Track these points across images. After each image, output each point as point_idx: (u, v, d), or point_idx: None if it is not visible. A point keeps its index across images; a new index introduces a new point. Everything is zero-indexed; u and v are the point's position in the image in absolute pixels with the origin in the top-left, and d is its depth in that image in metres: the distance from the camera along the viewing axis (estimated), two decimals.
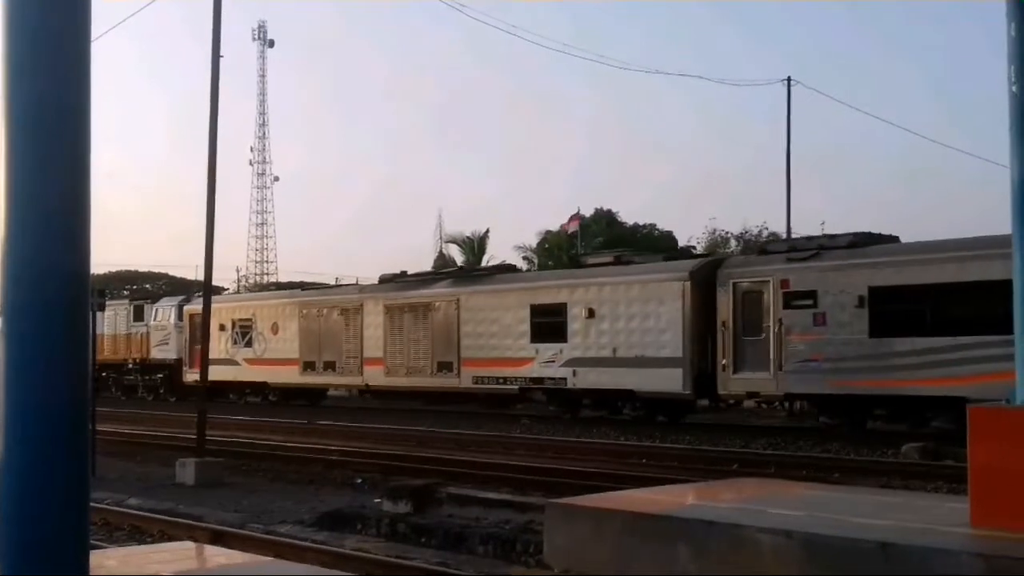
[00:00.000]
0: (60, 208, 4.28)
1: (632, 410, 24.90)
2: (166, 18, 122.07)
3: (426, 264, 50.44)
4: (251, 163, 78.71)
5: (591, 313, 24.78)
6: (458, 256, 51.45)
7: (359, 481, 15.18)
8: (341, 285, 34.34)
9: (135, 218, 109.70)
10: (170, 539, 10.16)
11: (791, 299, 21.58)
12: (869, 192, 79.20)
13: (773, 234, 50.16)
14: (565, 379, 25.39)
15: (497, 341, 26.83)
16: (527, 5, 77.48)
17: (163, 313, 38.68)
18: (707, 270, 23.47)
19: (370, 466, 16.42)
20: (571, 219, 46.68)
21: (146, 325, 39.19)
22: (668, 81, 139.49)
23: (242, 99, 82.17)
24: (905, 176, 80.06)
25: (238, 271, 72.54)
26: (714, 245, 52.35)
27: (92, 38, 4.48)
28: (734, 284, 22.52)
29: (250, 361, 34.22)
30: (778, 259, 22.39)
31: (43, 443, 4.22)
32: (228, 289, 55.27)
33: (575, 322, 25.12)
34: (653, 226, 54.79)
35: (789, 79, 39.80)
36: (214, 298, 41.10)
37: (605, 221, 53.38)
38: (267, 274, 75.65)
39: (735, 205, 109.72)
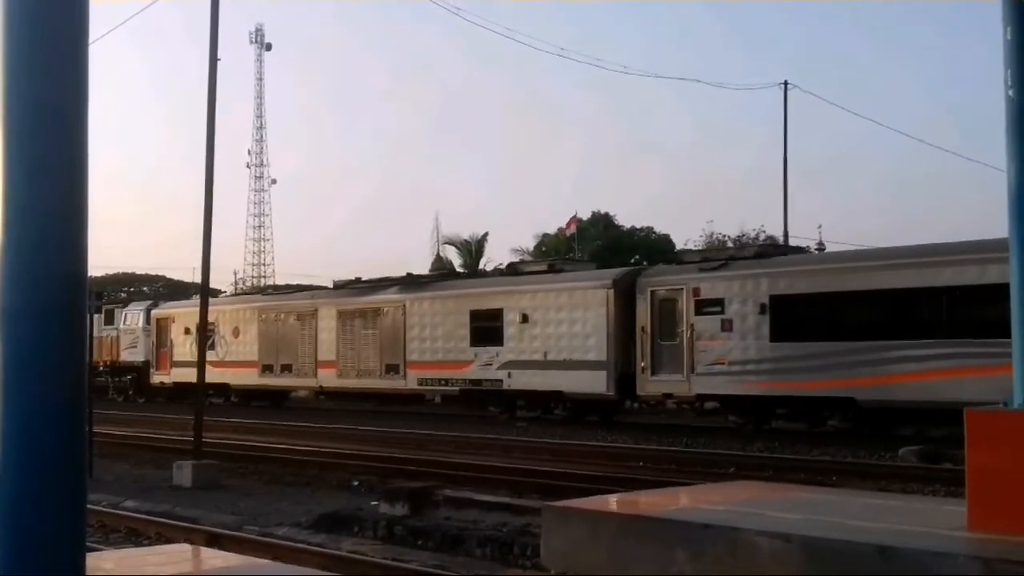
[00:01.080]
0: (57, 211, 4.27)
1: (563, 410, 26.11)
2: (164, 20, 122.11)
3: (423, 267, 50.47)
4: (248, 166, 78.75)
5: (525, 318, 26.34)
6: (455, 258, 51.46)
7: (356, 484, 15.17)
8: (298, 291, 35.54)
9: (133, 220, 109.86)
10: (167, 541, 10.13)
11: (702, 306, 23.13)
12: (867, 196, 79.35)
13: (770, 237, 50.21)
14: (501, 381, 26.89)
15: (440, 345, 28.38)
16: (524, 8, 77.59)
17: (132, 317, 40.12)
18: (629, 279, 25.12)
19: (367, 469, 16.41)
20: (569, 222, 46.72)
21: (116, 329, 40.21)
22: (666, 84, 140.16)
23: (239, 102, 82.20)
24: (903, 180, 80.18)
25: (235, 273, 72.57)
26: (711, 248, 52.40)
27: (90, 40, 4.48)
28: (652, 292, 24.17)
29: (213, 364, 35.09)
30: (691, 268, 24.10)
31: (40, 445, 4.21)
32: (225, 292, 55.27)
33: (510, 327, 26.65)
34: (651, 229, 54.85)
35: (786, 83, 39.96)
36: (178, 303, 42.43)
37: (602, 224, 53.43)
38: (264, 276, 75.64)
39: (733, 208, 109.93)
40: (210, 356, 35.04)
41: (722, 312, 22.78)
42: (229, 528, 11.20)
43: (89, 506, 5.92)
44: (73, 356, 4.35)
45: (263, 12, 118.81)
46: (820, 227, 55.32)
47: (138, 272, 72.91)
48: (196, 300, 45.37)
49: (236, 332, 34.80)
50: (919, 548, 6.87)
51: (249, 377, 34.29)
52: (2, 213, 4.23)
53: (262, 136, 79.20)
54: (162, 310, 39.24)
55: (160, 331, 38.12)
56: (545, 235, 52.98)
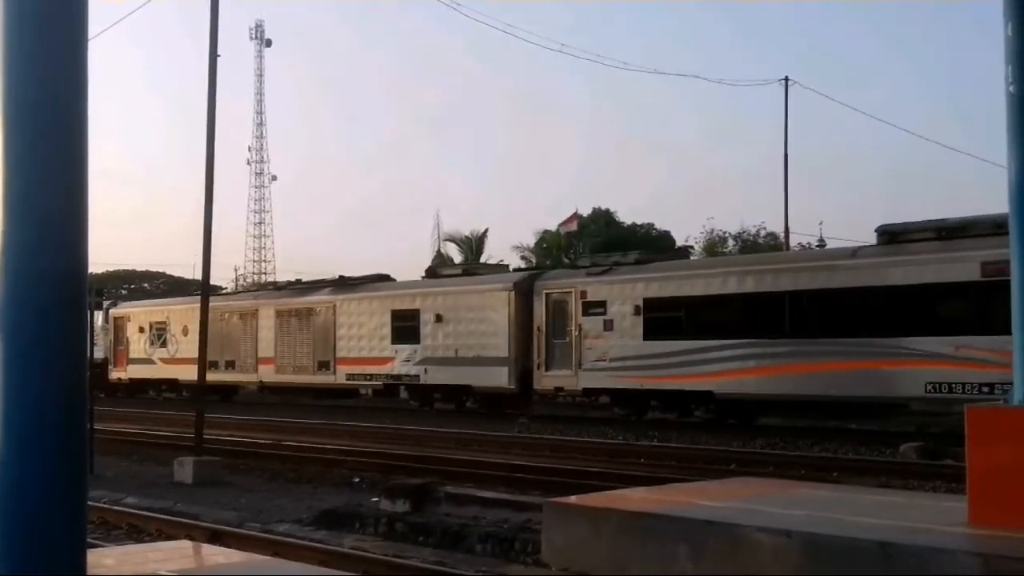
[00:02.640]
0: (57, 208, 4.27)
1: (473, 403, 28.44)
2: (163, 16, 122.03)
3: (424, 263, 50.41)
4: (249, 162, 78.76)
5: (439, 318, 28.47)
6: (456, 255, 51.42)
7: (357, 480, 15.17)
8: (241, 291, 38.25)
9: (133, 217, 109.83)
10: (168, 538, 10.13)
11: (588, 308, 25.40)
12: (868, 191, 79.30)
13: (771, 234, 50.21)
14: (418, 376, 29.15)
15: (365, 343, 30.55)
16: (525, 4, 77.46)
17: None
18: (528, 282, 27.28)
19: (368, 465, 16.41)
20: (570, 218, 46.68)
21: None
22: (667, 81, 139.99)
23: (240, 98, 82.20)
24: (904, 175, 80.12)
25: (236, 270, 72.61)
26: (712, 245, 52.36)
27: (89, 36, 4.47)
28: (547, 294, 26.43)
29: (164, 360, 37.68)
30: (580, 273, 26.65)
31: (40, 442, 4.21)
32: (225, 288, 55.27)
33: (426, 326, 28.80)
34: (651, 225, 54.78)
35: (787, 79, 39.86)
36: (133, 304, 43.73)
37: (603, 220, 53.38)
38: (265, 273, 75.66)
39: (735, 204, 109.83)
40: (162, 353, 38.03)
41: (604, 313, 25.04)
42: (230, 524, 11.19)
43: (90, 503, 5.93)
44: (74, 353, 4.35)
45: (263, 8, 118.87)
46: (821, 223, 55.19)
47: (138, 269, 72.93)
48: (149, 301, 48.14)
49: (185, 331, 36.27)
50: (920, 544, 6.88)
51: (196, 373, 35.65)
52: (2, 210, 4.23)
53: (262, 132, 79.31)
54: (119, 310, 41.42)
55: (117, 330, 40.12)
56: (546, 231, 52.95)
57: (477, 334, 27.51)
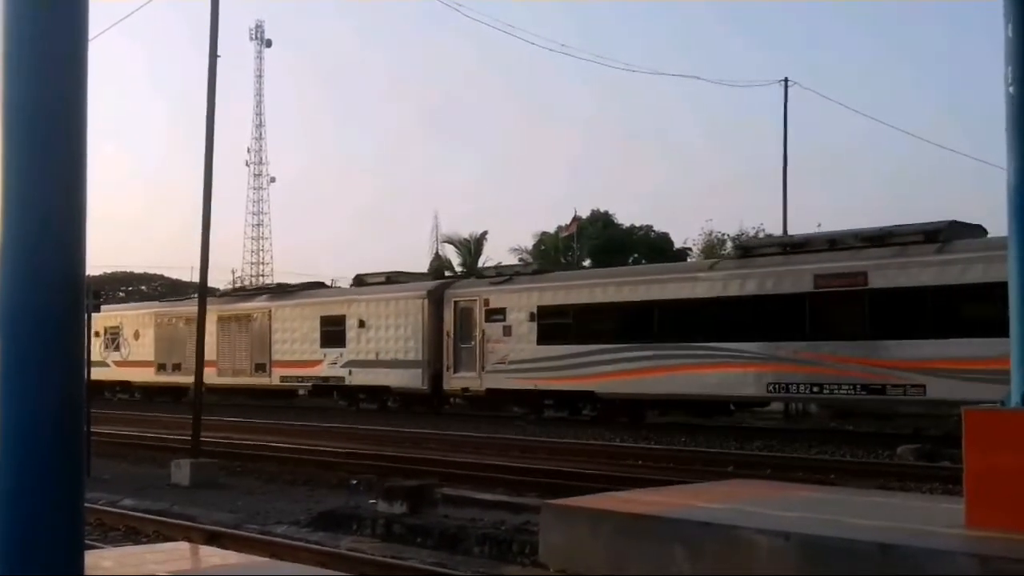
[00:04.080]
0: (56, 210, 4.27)
1: (392, 402, 30.55)
2: (163, 17, 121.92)
3: (423, 265, 50.51)
4: (247, 164, 78.66)
5: (362, 324, 30.63)
6: (454, 257, 51.50)
7: (354, 482, 15.16)
8: (188, 297, 39.17)
9: (131, 219, 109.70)
10: (165, 539, 10.12)
11: (490, 315, 27.49)
12: (867, 193, 79.34)
13: (769, 235, 50.20)
14: (343, 378, 31.31)
15: (298, 347, 32.73)
16: (524, 5, 77.65)
17: None
18: (440, 291, 29.44)
19: (365, 467, 16.40)
20: (571, 222, 46.72)
21: None
22: (667, 82, 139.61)
23: (239, 99, 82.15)
24: (903, 177, 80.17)
25: (234, 272, 72.53)
26: (711, 247, 52.35)
27: (89, 37, 4.47)
28: (455, 302, 28.49)
29: (117, 363, 39.73)
30: (484, 283, 28.73)
31: (38, 444, 4.21)
32: (219, 290, 55.16)
33: (351, 331, 30.92)
34: (650, 228, 54.77)
35: (786, 80, 39.76)
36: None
37: (602, 222, 53.39)
38: (263, 275, 75.57)
39: (734, 206, 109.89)
40: (115, 356, 39.68)
41: (504, 320, 27.18)
42: (227, 526, 11.18)
43: (87, 504, 5.93)
44: (71, 355, 4.36)
45: (264, 8, 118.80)
46: (819, 225, 55.17)
47: (136, 271, 72.76)
48: (106, 306, 49.22)
49: (136, 335, 38.96)
50: (917, 546, 6.88)
51: (147, 375, 38.44)
52: (1, 212, 4.23)
53: (261, 134, 79.11)
54: None
55: None
56: (544, 234, 52.97)
57: (395, 339, 29.78)
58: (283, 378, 33.21)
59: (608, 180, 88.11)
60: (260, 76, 78.66)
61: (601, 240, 49.07)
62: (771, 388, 22.23)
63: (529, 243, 53.15)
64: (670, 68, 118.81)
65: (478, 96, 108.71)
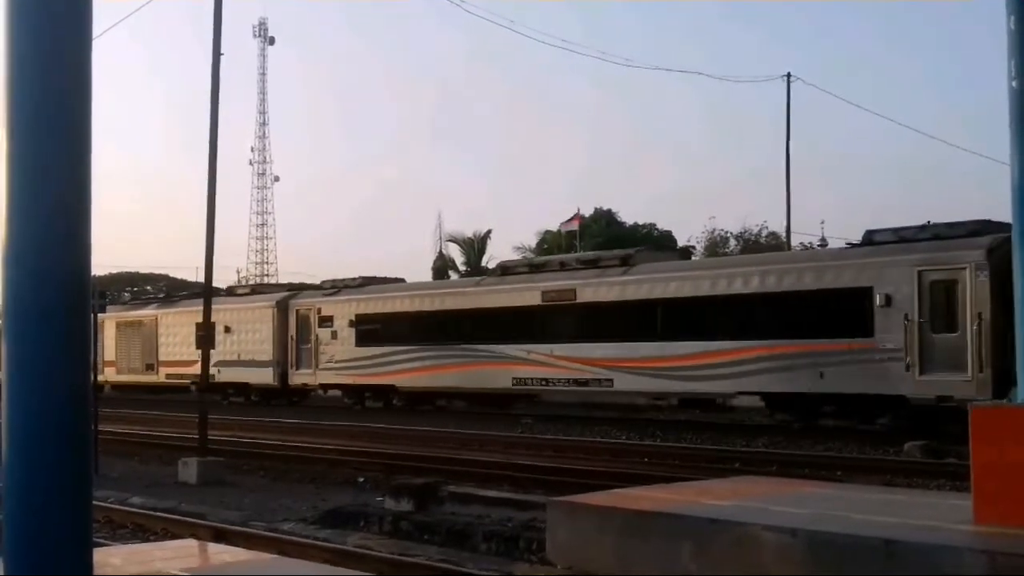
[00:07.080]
0: (61, 209, 4.27)
1: (255, 396, 35.02)
2: (166, 15, 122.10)
3: (426, 264, 50.58)
4: (251, 163, 78.79)
5: (228, 329, 35.21)
6: (458, 256, 51.46)
7: (361, 480, 15.17)
8: (142, 300, 42.85)
9: (135, 218, 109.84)
10: (173, 537, 10.15)
11: (322, 321, 32.56)
12: (872, 190, 79.22)
13: (772, 233, 50.19)
14: (214, 376, 32.58)
15: (179, 348, 37.41)
16: (528, 2, 77.52)
17: None
18: (286, 301, 34.37)
19: (371, 465, 16.41)
20: (572, 219, 46.66)
21: None
22: (671, 78, 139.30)
23: (243, 98, 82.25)
24: (907, 174, 79.99)
25: (238, 272, 72.63)
26: (713, 245, 52.32)
27: (93, 36, 4.47)
28: (296, 310, 33.65)
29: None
30: (319, 294, 34.10)
31: (46, 442, 4.22)
32: (222, 291, 55.19)
33: (220, 335, 34.90)
34: (653, 226, 54.69)
35: (789, 75, 39.69)
36: None
37: (604, 220, 53.32)
38: (267, 275, 75.65)
39: (738, 204, 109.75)
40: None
41: (332, 326, 32.15)
42: (235, 523, 11.19)
43: (96, 502, 5.93)
44: (78, 354, 4.36)
45: (267, 6, 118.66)
46: (823, 223, 55.27)
47: (141, 271, 72.81)
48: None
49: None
50: (925, 542, 6.87)
51: (109, 374, 40.97)
52: (5, 212, 4.23)
53: (265, 133, 79.31)
54: None
55: None
56: (547, 232, 52.91)
57: (252, 342, 34.69)
58: (168, 375, 37.91)
59: (612, 177, 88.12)
60: (263, 74, 78.82)
61: (604, 238, 48.96)
62: (515, 382, 26.98)
63: (532, 241, 53.15)
64: (674, 64, 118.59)
65: (482, 94, 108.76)
